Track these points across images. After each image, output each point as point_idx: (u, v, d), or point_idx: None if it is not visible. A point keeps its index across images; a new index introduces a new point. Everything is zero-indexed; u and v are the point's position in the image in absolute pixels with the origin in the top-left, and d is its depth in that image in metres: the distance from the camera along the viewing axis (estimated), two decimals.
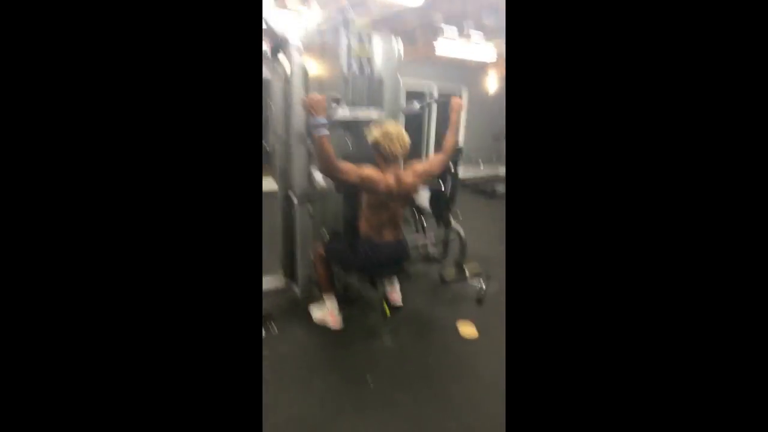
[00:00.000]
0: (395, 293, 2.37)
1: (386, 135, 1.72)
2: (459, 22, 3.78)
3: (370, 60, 2.09)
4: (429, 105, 2.46)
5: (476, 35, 4.27)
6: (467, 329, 2.14)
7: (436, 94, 6.11)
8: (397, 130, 1.75)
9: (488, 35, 4.25)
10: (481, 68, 6.45)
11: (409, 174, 1.81)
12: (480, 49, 4.69)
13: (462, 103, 2.06)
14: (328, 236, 2.05)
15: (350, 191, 2.00)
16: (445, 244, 2.99)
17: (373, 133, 1.77)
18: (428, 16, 3.54)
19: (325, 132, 1.58)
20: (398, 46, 2.17)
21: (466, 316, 2.27)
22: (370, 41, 2.06)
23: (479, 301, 2.46)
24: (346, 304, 2.25)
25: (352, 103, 2.04)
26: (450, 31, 4.09)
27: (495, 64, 6.04)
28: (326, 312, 2.08)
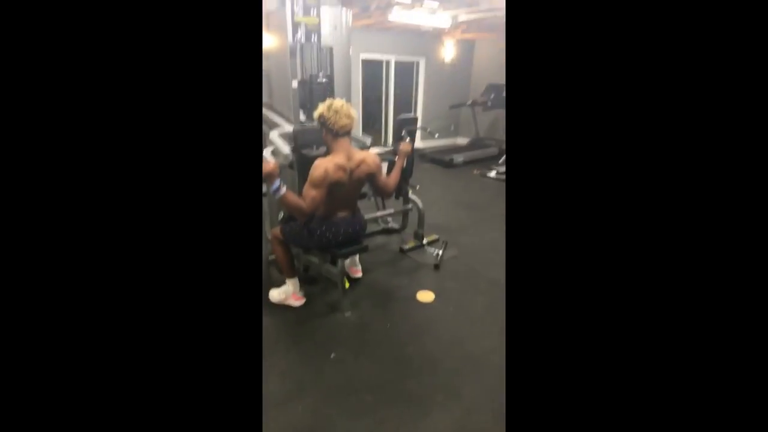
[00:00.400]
0: (355, 267, 2.42)
1: (332, 109, 1.71)
2: None
3: (317, 28, 2.03)
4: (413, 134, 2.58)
5: (430, 2, 4.19)
6: (425, 295, 2.25)
7: (393, 63, 6.03)
8: (342, 103, 1.75)
9: (442, 2, 4.19)
10: (435, 36, 6.38)
11: (358, 162, 1.81)
12: (434, 16, 4.63)
13: (410, 148, 2.14)
14: (284, 217, 2.04)
15: (303, 169, 1.98)
16: (404, 215, 3.07)
17: (319, 109, 1.75)
18: None
19: (283, 190, 1.62)
20: (347, 14, 2.10)
21: (423, 281, 2.38)
22: (317, 9, 1.98)
23: (436, 266, 2.57)
24: (307, 283, 2.28)
25: (301, 77, 1.98)
26: None
27: (450, 32, 5.99)
28: (289, 294, 2.10)
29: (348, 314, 2.04)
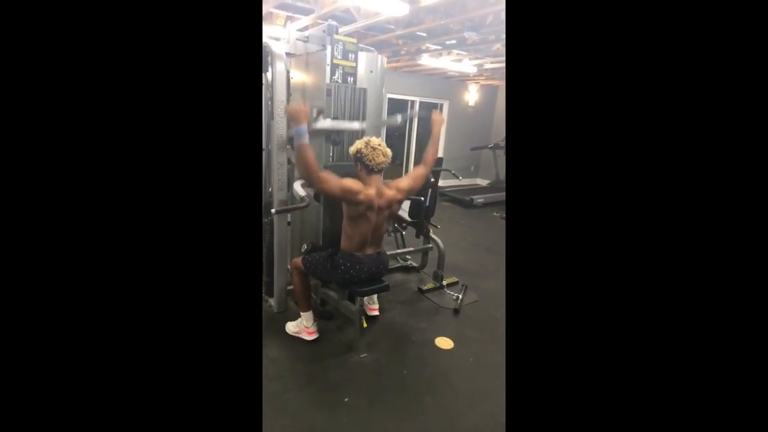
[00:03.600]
0: (372, 304, 2.37)
1: (369, 145, 1.75)
2: (441, 38, 3.87)
3: (353, 71, 2.11)
4: (411, 118, 2.53)
5: (457, 50, 4.37)
6: (444, 342, 2.16)
7: (417, 107, 6.21)
8: (380, 141, 1.79)
9: (469, 50, 4.36)
10: (460, 82, 6.60)
11: (392, 188, 1.84)
12: (461, 62, 4.81)
13: (442, 117, 2.10)
14: (307, 248, 2.03)
15: (330, 202, 2.00)
16: (424, 254, 3.03)
17: (356, 145, 1.79)
18: (412, 29, 3.60)
19: (306, 140, 1.61)
20: (381, 58, 2.20)
21: (442, 326, 2.30)
22: (355, 54, 2.08)
23: (456, 311, 2.49)
24: (323, 318, 2.23)
25: (335, 115, 2.05)
26: (433, 45, 4.17)
27: (474, 77, 6.19)
28: (302, 327, 2.06)
29: (364, 356, 1.97)
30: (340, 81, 2.07)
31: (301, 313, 2.06)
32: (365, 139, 1.80)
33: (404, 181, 1.90)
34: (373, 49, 2.29)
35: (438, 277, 2.81)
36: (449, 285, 2.82)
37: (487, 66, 5.04)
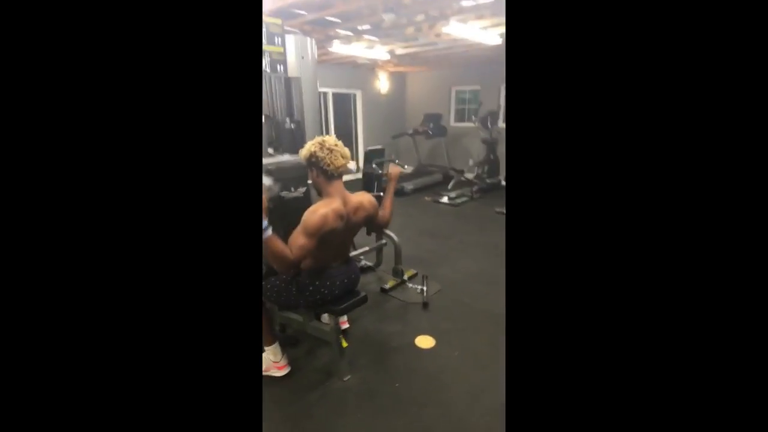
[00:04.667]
0: (343, 319, 2.14)
1: (324, 147, 1.47)
2: (353, 22, 3.66)
3: (282, 57, 1.82)
4: (382, 165, 2.42)
5: (369, 36, 4.22)
6: (424, 341, 2.04)
7: (330, 95, 5.95)
8: (335, 140, 1.51)
9: (381, 35, 4.24)
10: (370, 71, 6.49)
11: (354, 200, 1.59)
12: (372, 49, 4.67)
13: (400, 169, 1.93)
14: (264, 273, 1.71)
15: (281, 216, 1.70)
16: (378, 251, 2.87)
17: (308, 148, 1.49)
18: (323, 14, 3.33)
19: (269, 232, 1.34)
20: (312, 42, 1.93)
21: (416, 324, 2.18)
22: (281, 36, 1.78)
23: (425, 305, 2.39)
24: (287, 345, 1.94)
25: (271, 110, 1.74)
26: (344, 30, 3.95)
27: (383, 65, 6.13)
28: (269, 363, 1.75)
29: (347, 378, 1.75)
30: (268, 70, 1.76)
31: (265, 348, 1.75)
32: (318, 139, 1.51)
33: (366, 208, 1.64)
34: (297, 30, 2.01)
35: (398, 273, 2.68)
36: (410, 278, 2.71)
37: (399, 52, 4.99)
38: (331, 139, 1.51)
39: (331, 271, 1.61)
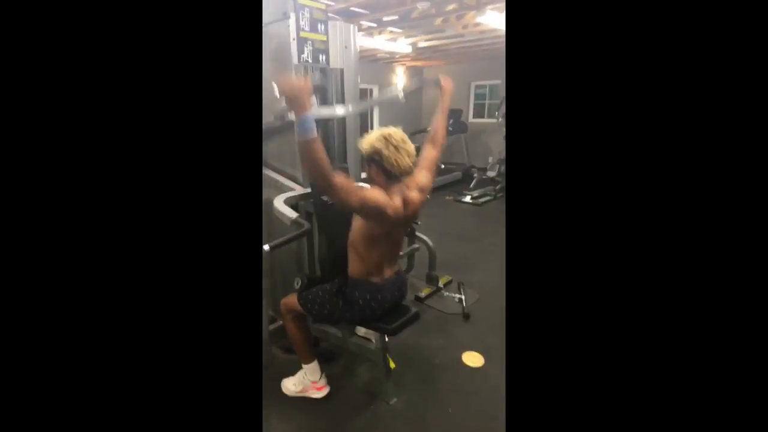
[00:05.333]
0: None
1: (390, 143, 1.24)
2: (379, 13, 3.48)
3: (324, 46, 1.65)
4: (413, 90, 2.13)
5: (393, 28, 4.03)
6: (472, 358, 1.88)
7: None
8: (402, 136, 1.28)
9: (405, 27, 4.05)
10: (387, 65, 6.30)
11: (413, 190, 1.36)
12: (395, 42, 4.49)
13: (452, 84, 1.60)
14: (302, 283, 1.55)
15: (326, 218, 1.54)
16: (410, 256, 2.70)
17: (370, 140, 1.27)
18: (348, 4, 3.15)
19: (314, 133, 1.04)
20: (354, 30, 1.75)
21: (459, 337, 2.01)
22: (324, 23, 1.61)
23: (466, 315, 2.23)
24: (323, 361, 1.78)
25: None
26: (367, 22, 3.77)
27: (400, 60, 5.94)
28: (307, 383, 1.60)
29: (394, 401, 1.59)
30: (310, 60, 1.59)
31: (303, 366, 1.59)
32: (381, 131, 1.27)
33: (423, 177, 1.41)
34: (338, 17, 1.83)
35: (433, 280, 2.51)
36: (445, 285, 2.55)
37: (421, 44, 4.80)
38: (397, 133, 1.27)
39: (381, 284, 1.42)
